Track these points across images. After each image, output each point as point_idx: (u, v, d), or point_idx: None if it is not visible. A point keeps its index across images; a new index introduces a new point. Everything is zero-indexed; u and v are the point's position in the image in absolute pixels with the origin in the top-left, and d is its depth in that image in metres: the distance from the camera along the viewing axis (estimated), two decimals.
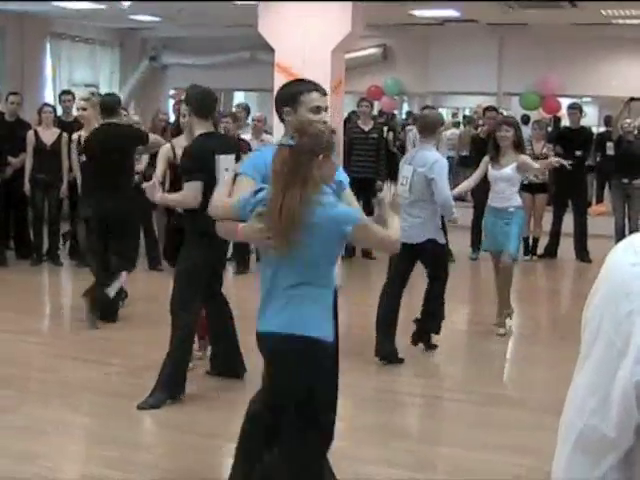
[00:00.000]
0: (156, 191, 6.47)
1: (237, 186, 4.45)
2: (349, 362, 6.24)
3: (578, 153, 13.10)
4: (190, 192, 6.41)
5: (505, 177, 8.81)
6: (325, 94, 4.62)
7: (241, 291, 9.56)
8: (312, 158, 4.03)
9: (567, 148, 13.09)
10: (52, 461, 5.52)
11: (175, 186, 7.00)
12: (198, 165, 6.44)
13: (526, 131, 15.53)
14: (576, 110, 13.78)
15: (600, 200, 16.16)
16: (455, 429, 6.42)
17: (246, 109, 13.26)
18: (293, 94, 4.54)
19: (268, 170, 4.21)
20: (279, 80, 10.63)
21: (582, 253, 13.38)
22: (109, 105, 8.97)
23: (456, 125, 16.65)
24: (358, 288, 10.66)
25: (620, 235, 13.76)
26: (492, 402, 6.93)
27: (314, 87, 4.59)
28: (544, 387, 7.46)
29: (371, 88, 17.41)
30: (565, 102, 16.63)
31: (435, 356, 8.08)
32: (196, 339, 7.14)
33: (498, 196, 8.89)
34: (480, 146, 13.50)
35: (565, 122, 16.66)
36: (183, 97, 7.21)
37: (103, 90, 16.70)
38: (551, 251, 13.68)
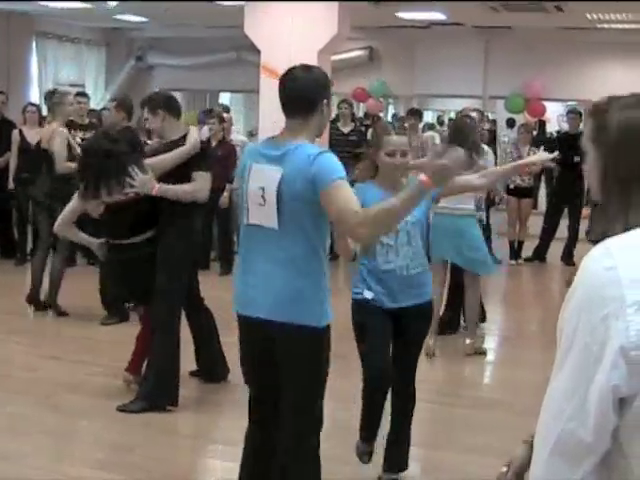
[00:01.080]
0: (151, 182, 6.34)
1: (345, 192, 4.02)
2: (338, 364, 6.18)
3: (576, 159, 13.10)
4: (205, 183, 6.38)
5: None
6: None
7: (224, 293, 9.54)
8: None
9: (566, 153, 13.10)
10: (35, 462, 5.50)
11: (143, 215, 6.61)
12: (206, 158, 6.49)
13: (511, 135, 15.62)
14: (575, 115, 13.80)
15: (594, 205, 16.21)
16: (442, 432, 6.43)
17: (225, 109, 13.27)
18: (329, 84, 4.16)
19: None
20: (265, 81, 10.65)
21: (568, 257, 13.42)
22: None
23: (432, 127, 16.64)
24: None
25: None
26: (479, 405, 6.95)
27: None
28: (531, 390, 7.46)
29: (357, 90, 17.41)
30: (550, 106, 16.70)
31: (423, 360, 8.04)
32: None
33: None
34: None
35: (550, 126, 16.74)
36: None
37: (89, 90, 16.67)
38: (540, 254, 13.71)
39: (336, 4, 10.47)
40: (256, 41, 10.78)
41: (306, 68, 4.18)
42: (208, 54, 18.41)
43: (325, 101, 4.07)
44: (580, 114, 13.91)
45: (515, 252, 13.57)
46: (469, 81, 16.82)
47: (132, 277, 6.55)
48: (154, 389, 6.42)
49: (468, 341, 8.27)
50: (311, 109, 4.08)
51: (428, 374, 7.95)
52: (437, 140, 15.58)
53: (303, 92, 4.08)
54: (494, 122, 18.18)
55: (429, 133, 15.05)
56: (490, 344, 8.86)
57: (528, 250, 13.68)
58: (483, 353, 8.32)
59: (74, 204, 6.68)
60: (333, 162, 4.01)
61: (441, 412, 6.88)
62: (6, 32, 16.29)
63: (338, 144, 12.78)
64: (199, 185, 6.38)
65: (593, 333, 1.28)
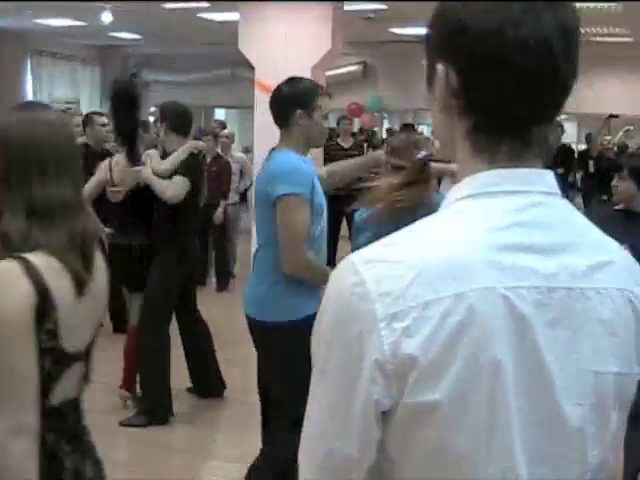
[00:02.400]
0: (144, 168, 6.45)
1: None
2: None
3: (560, 171, 13.19)
4: (180, 187, 6.34)
5: None
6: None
7: (220, 309, 9.54)
8: None
9: (548, 166, 13.18)
10: None
11: (141, 208, 6.71)
12: (192, 166, 6.50)
13: None
14: (557, 128, 13.86)
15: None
16: None
17: (222, 126, 13.29)
18: (310, 95, 4.17)
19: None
20: (259, 97, 10.65)
21: None
22: None
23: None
24: None
25: None
26: None
27: (324, 89, 4.35)
28: None
29: (351, 105, 17.44)
30: None
31: None
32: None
33: None
34: None
35: None
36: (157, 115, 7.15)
37: (83, 107, 16.70)
38: None
39: (330, 19, 10.48)
40: (250, 58, 10.78)
41: (289, 80, 4.30)
42: (203, 71, 18.47)
43: (300, 112, 4.12)
44: (562, 127, 13.97)
45: None
46: None
47: (130, 264, 6.59)
48: (152, 401, 6.45)
49: None
50: (284, 120, 4.18)
51: None
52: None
53: (275, 103, 4.22)
54: None
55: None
56: None
57: None
58: None
59: (100, 176, 6.76)
60: (285, 174, 4.06)
61: None
62: (0, 50, 16.32)
63: (338, 160, 12.75)
64: (173, 186, 6.35)
65: (349, 350, 1.28)
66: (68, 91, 18.26)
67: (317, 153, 10.79)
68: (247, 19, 10.75)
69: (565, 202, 1.39)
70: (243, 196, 12.70)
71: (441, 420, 1.27)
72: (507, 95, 1.31)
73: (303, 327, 4.18)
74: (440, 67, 1.35)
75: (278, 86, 4.30)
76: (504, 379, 1.28)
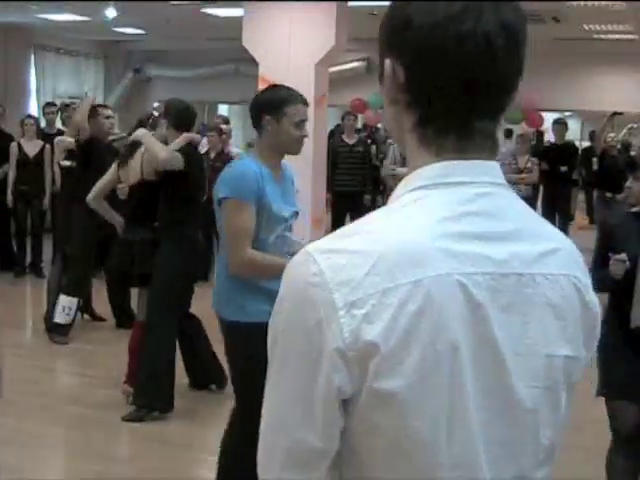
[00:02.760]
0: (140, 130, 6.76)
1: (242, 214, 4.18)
2: None
3: (563, 169, 13.18)
4: (173, 153, 6.38)
5: None
6: (307, 105, 4.45)
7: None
8: None
9: (552, 164, 13.18)
10: (33, 474, 5.50)
11: (143, 204, 6.76)
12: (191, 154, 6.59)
13: (509, 145, 15.65)
14: (561, 125, 13.85)
15: (589, 215, 16.21)
16: None
17: (225, 121, 13.28)
18: (278, 102, 4.27)
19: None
20: None
21: None
22: None
23: None
24: None
25: None
26: None
27: (300, 98, 4.38)
28: None
29: (355, 101, 17.43)
30: (548, 116, 16.74)
31: None
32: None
33: None
34: None
35: (548, 136, 16.78)
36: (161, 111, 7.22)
37: None
38: None
39: (334, 16, 10.47)
40: (254, 53, 10.77)
41: (267, 87, 4.55)
42: (206, 66, 18.45)
43: (268, 118, 4.24)
44: (566, 125, 13.96)
45: None
46: None
47: (137, 259, 6.65)
48: (152, 395, 6.46)
49: None
50: (255, 125, 4.34)
51: None
52: None
53: (250, 109, 4.38)
54: None
55: None
56: None
57: None
58: None
59: (110, 175, 6.93)
60: (229, 178, 4.24)
61: None
62: (4, 45, 16.33)
63: (343, 156, 12.79)
64: (167, 150, 6.40)
65: (309, 340, 1.30)
66: (72, 86, 18.23)
67: (322, 148, 10.79)
68: (251, 15, 10.74)
69: (511, 193, 1.43)
70: None
71: (403, 405, 1.29)
72: (449, 89, 1.35)
73: (259, 330, 4.20)
74: (387, 62, 1.41)
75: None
76: (462, 363, 1.31)
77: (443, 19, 1.33)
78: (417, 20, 1.35)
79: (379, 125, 18.55)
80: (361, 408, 1.31)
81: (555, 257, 1.42)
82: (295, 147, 4.38)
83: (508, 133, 17.52)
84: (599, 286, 4.04)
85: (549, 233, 1.46)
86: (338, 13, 10.55)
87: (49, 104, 13.21)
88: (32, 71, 17.42)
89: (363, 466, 1.35)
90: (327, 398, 1.30)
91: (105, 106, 9.15)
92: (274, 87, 4.49)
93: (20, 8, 14.03)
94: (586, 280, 1.47)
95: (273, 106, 4.26)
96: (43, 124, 12.95)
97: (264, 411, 1.39)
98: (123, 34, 17.68)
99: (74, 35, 17.76)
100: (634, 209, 4.84)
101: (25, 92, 17.20)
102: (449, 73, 1.35)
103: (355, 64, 17.71)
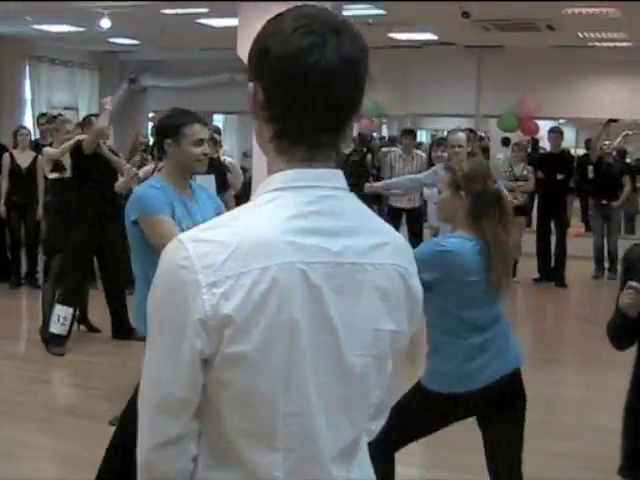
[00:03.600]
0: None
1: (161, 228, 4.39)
2: None
3: (559, 177, 13.17)
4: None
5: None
6: (206, 124, 4.75)
7: None
8: None
9: (548, 172, 13.18)
10: None
11: None
12: None
13: (507, 153, 15.64)
14: (557, 134, 13.85)
15: (585, 222, 16.18)
16: (438, 451, 6.38)
17: (217, 132, 13.25)
18: (175, 126, 4.55)
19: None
20: None
21: (559, 277, 13.42)
22: None
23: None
24: None
25: (598, 256, 13.83)
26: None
27: (196, 119, 4.63)
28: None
29: None
30: (543, 124, 16.75)
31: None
32: None
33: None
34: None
35: (543, 144, 16.78)
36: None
37: (82, 113, 16.68)
38: (557, 277, 13.39)
39: None
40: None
41: (166, 112, 4.84)
42: (201, 76, 18.44)
43: (169, 141, 4.53)
44: (561, 133, 13.96)
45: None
46: (462, 100, 16.85)
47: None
48: None
49: None
50: (159, 150, 4.70)
51: None
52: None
53: (153, 137, 4.77)
54: (483, 139, 18.15)
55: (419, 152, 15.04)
56: None
57: (529, 270, 13.56)
58: None
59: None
60: (138, 200, 4.52)
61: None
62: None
63: (340, 165, 12.72)
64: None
65: (178, 311, 1.61)
66: (66, 96, 18.23)
67: None
68: (246, 24, 10.73)
69: (352, 196, 1.75)
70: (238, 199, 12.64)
71: (250, 366, 1.61)
72: (298, 110, 1.66)
73: None
74: (251, 84, 1.70)
75: None
76: (301, 335, 1.63)
77: (293, 52, 1.64)
78: (274, 51, 1.65)
79: (374, 134, 18.56)
80: (217, 367, 1.62)
81: (384, 249, 1.75)
82: (197, 165, 4.62)
83: (505, 141, 17.49)
84: (613, 334, 3.84)
85: (381, 230, 1.79)
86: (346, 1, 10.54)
87: (43, 115, 13.21)
88: (27, 81, 17.42)
89: (218, 416, 1.67)
90: (191, 358, 1.61)
91: (98, 116, 9.14)
92: (171, 112, 4.77)
93: (15, 19, 14.03)
94: (412, 269, 1.82)
95: (171, 130, 4.55)
96: (36, 135, 12.94)
97: (144, 368, 1.69)
98: (118, 44, 17.68)
99: (69, 46, 17.77)
100: None
101: (20, 103, 17.19)
102: (298, 96, 1.66)
103: None
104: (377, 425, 1.87)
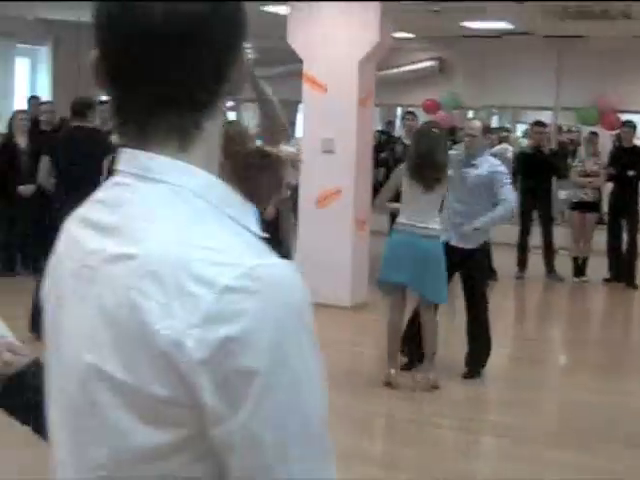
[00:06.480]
0: None
1: None
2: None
3: (631, 173, 12.64)
4: None
5: None
6: None
7: None
8: None
9: (620, 168, 12.70)
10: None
11: None
12: None
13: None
14: (629, 129, 13.31)
15: None
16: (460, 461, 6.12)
17: None
18: None
19: None
20: (307, 91, 10.47)
21: (628, 276, 12.84)
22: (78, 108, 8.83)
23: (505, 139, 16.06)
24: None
25: None
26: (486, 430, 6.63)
27: None
28: (549, 416, 7.12)
29: (427, 102, 17.10)
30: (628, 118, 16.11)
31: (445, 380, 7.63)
32: None
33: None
34: (523, 162, 13.13)
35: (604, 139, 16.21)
36: None
37: None
38: (629, 277, 12.88)
39: (378, 12, 10.21)
40: (299, 51, 10.61)
41: None
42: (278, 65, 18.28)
43: None
44: (634, 127, 13.38)
45: (579, 269, 13.05)
46: (541, 92, 16.35)
47: None
48: None
49: (419, 376, 7.42)
50: None
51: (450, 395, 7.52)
52: (509, 153, 15.17)
53: None
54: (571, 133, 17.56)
55: (503, 145, 14.68)
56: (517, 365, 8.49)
57: (601, 270, 13.04)
58: (436, 387, 7.38)
59: None
60: None
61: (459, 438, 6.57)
62: (76, 42, 16.41)
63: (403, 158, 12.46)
64: None
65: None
66: None
67: (366, 148, 10.51)
68: (296, 12, 10.58)
69: (154, 190, 1.32)
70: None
71: None
72: (121, 85, 1.36)
73: None
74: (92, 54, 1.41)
75: None
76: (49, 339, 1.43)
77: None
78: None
79: (459, 125, 18.13)
80: None
81: (127, 262, 1.26)
82: None
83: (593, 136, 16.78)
84: None
85: (142, 237, 1.27)
86: (383, 9, 10.29)
87: (102, 102, 13.21)
88: None
89: None
90: None
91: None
92: None
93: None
94: (161, 299, 1.20)
95: None
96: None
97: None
98: None
99: None
100: None
101: (97, 89, 17.29)
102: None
103: (427, 63, 17.36)
104: None
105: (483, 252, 8.12)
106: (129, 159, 1.36)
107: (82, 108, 8.72)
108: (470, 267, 7.62)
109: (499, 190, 7.42)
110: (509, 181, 7.68)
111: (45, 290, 1.45)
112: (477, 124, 7.89)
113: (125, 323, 1.23)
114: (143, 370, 1.21)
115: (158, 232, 1.26)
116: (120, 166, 1.37)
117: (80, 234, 1.38)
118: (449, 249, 7.33)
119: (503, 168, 7.73)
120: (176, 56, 1.30)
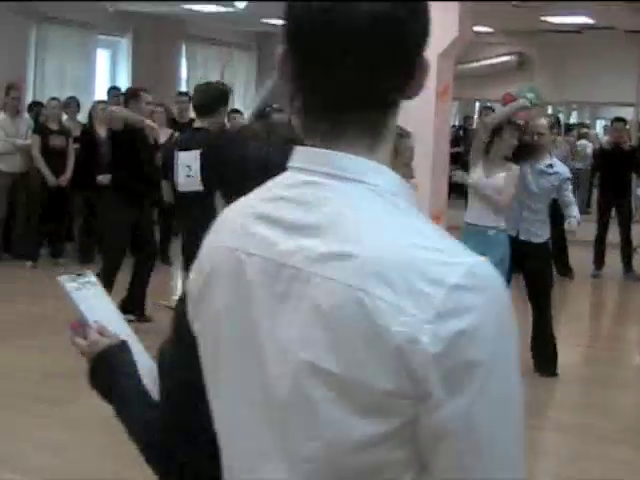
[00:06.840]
0: None
1: None
2: None
3: None
4: None
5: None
6: None
7: None
8: None
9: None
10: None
11: None
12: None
13: None
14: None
15: None
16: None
17: None
18: None
19: None
20: None
21: None
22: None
23: (584, 136, 15.88)
24: None
25: None
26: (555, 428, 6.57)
27: None
28: (618, 414, 7.04)
29: (506, 96, 16.91)
30: None
31: None
32: None
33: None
34: (602, 158, 12.97)
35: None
36: None
37: (238, 94, 16.84)
38: None
39: (457, 6, 10.14)
40: None
41: None
42: None
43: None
44: None
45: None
46: (622, 88, 16.10)
47: None
48: None
49: None
50: None
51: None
52: (589, 149, 15.01)
53: None
54: None
55: (582, 141, 14.55)
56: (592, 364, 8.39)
57: None
58: None
59: None
60: None
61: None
62: (155, 36, 16.60)
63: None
64: None
65: None
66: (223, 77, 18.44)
67: (443, 142, 10.45)
68: None
69: (354, 190, 1.33)
70: None
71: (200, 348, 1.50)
72: (314, 83, 1.36)
73: None
74: (279, 51, 1.42)
75: None
76: (220, 331, 1.41)
77: (310, 16, 1.36)
78: (291, 19, 1.40)
79: (543, 121, 17.96)
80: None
81: (343, 262, 1.28)
82: None
83: None
84: None
85: (361, 240, 1.29)
86: (462, 3, 10.22)
87: (180, 94, 13.38)
88: (183, 62, 17.71)
89: None
90: None
91: (146, 90, 9.03)
92: None
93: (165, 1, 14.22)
94: (389, 298, 1.24)
95: None
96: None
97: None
98: (273, 25, 17.70)
99: (226, 26, 17.94)
100: None
101: (175, 82, 17.46)
102: (312, 69, 1.37)
103: (507, 58, 17.23)
104: None
105: (548, 249, 8.07)
106: (315, 158, 1.36)
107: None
108: (535, 262, 7.58)
109: (564, 193, 7.81)
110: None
111: (198, 286, 1.48)
112: (544, 122, 7.95)
113: (347, 322, 1.26)
114: (369, 365, 1.24)
115: (372, 232, 1.29)
116: (303, 164, 1.37)
117: (267, 233, 1.36)
118: (515, 243, 7.38)
119: (569, 173, 8.01)
120: (376, 57, 1.32)
